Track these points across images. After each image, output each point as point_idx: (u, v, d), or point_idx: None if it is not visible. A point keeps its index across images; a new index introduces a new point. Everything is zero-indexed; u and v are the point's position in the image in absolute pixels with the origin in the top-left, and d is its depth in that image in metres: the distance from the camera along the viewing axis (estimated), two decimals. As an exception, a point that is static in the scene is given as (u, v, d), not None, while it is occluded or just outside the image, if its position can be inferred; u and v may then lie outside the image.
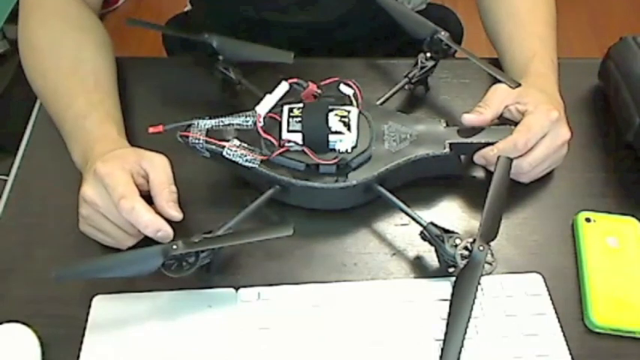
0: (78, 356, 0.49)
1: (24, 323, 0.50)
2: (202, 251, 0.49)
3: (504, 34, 0.68)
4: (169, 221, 0.52)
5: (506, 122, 0.59)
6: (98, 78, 0.62)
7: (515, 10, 0.69)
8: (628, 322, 0.52)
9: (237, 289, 0.53)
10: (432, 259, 0.55)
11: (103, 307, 0.52)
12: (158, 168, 0.53)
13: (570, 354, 0.50)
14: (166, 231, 0.51)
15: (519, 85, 0.58)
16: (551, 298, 0.53)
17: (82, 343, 0.50)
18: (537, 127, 0.56)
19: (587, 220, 0.58)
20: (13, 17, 0.67)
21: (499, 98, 0.59)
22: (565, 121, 0.59)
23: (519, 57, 0.65)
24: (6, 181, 0.62)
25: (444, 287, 0.52)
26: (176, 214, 0.52)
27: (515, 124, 0.58)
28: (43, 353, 0.49)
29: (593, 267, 0.54)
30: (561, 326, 0.52)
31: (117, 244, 0.53)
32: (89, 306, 0.52)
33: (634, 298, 0.53)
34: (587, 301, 0.53)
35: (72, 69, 0.61)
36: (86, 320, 0.51)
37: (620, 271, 0.54)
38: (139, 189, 0.51)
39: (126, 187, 0.50)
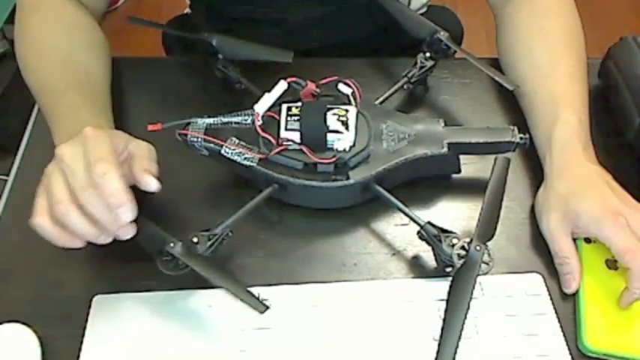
0: (78, 356, 0.49)
1: (24, 323, 0.50)
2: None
3: (532, 111, 0.63)
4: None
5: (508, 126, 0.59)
6: (90, 76, 0.62)
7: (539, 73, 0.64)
8: (622, 348, 0.50)
9: (236, 288, 0.53)
10: (432, 259, 0.55)
11: (103, 307, 0.52)
12: (143, 148, 0.52)
13: (570, 354, 0.50)
14: (128, 210, 0.46)
15: (517, 86, 0.58)
16: (551, 298, 0.53)
17: (82, 343, 0.50)
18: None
19: (587, 240, 0.56)
20: (13, 18, 0.67)
21: (570, 242, 0.55)
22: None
23: (556, 153, 0.59)
24: (6, 181, 0.62)
25: (443, 287, 0.52)
26: (151, 181, 0.49)
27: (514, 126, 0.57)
28: (43, 353, 0.49)
29: (590, 291, 0.53)
30: (561, 326, 0.51)
31: (65, 237, 0.48)
32: (89, 306, 0.52)
33: (630, 323, 0.51)
34: (582, 326, 0.51)
35: (64, 66, 0.61)
36: (86, 320, 0.51)
37: (617, 294, 0.52)
38: None
39: (108, 154, 0.47)
